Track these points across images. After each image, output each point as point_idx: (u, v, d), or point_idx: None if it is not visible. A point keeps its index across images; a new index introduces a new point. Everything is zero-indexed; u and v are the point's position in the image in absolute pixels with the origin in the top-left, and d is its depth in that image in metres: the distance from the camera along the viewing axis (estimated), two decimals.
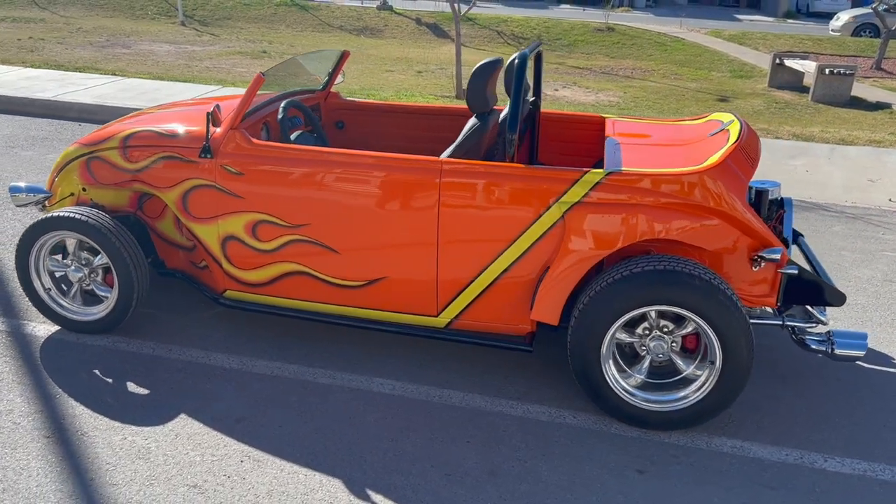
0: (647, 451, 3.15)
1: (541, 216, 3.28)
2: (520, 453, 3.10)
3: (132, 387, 3.40)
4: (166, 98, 8.65)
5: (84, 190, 3.93)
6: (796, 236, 4.26)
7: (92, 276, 3.76)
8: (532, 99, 4.46)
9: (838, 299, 3.43)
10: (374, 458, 3.01)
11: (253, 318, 4.02)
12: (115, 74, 10.31)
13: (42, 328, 3.83)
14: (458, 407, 3.39)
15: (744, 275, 3.35)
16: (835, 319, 4.38)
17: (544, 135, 4.58)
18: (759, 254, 3.26)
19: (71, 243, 3.73)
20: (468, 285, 3.43)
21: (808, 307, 3.58)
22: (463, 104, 5.02)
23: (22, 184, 4.02)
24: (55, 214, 3.62)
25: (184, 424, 3.15)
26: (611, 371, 3.26)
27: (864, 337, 3.46)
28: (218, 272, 3.73)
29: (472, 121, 3.57)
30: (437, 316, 3.51)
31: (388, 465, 2.97)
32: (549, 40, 18.76)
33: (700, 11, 30.21)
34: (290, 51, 14.42)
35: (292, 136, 3.81)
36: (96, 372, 3.50)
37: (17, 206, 4.00)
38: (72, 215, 3.59)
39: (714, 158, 3.30)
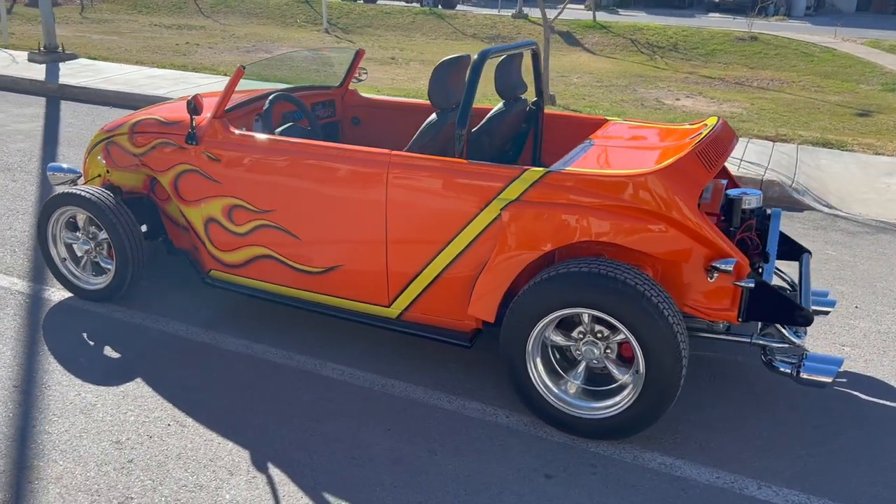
0: (565, 457, 3.07)
1: (480, 212, 3.27)
2: (433, 445, 3.11)
3: (107, 350, 3.72)
4: None
5: (107, 172, 4.32)
6: (801, 252, 3.97)
7: (98, 249, 4.13)
8: (534, 99, 4.43)
9: (804, 320, 3.19)
10: (292, 435, 3.13)
11: (242, 299, 4.26)
12: (227, 75, 11.04)
13: (57, 294, 4.25)
14: (396, 396, 3.44)
15: (700, 285, 3.18)
16: (855, 346, 4.04)
17: (549, 136, 4.52)
18: (713, 264, 3.09)
19: (81, 219, 4.11)
20: (415, 278, 3.48)
21: (780, 327, 3.34)
22: (483, 104, 5.04)
23: (61, 164, 4.47)
24: (65, 191, 4.01)
25: (135, 388, 3.41)
26: (536, 371, 3.20)
27: (836, 362, 3.21)
28: (204, 252, 3.99)
29: (432, 116, 3.61)
30: (388, 306, 3.58)
31: (301, 442, 3.08)
32: (686, 49, 18.15)
33: (864, 20, 28.09)
34: (419, 57, 14.82)
35: (279, 129, 4.01)
36: (84, 335, 3.84)
37: (54, 184, 4.46)
38: (78, 193, 3.97)
39: (666, 162, 3.17)
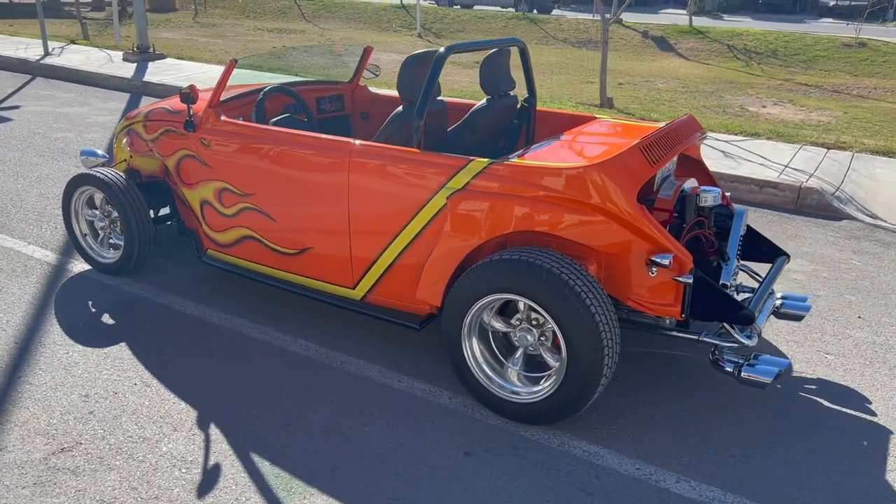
0: (491, 438, 3.16)
1: (430, 200, 3.41)
2: (368, 419, 3.27)
3: (105, 317, 4.07)
4: None
5: (131, 157, 4.71)
6: (778, 255, 3.90)
7: (112, 226, 4.51)
8: (526, 96, 4.51)
9: (745, 320, 3.17)
10: (240, 401, 3.36)
11: (238, 278, 4.55)
12: (300, 76, 11.53)
13: (78, 267, 4.67)
14: (350, 373, 3.62)
15: (644, 280, 3.20)
16: (841, 356, 3.93)
17: (540, 132, 4.59)
18: (651, 258, 3.12)
19: (98, 198, 4.51)
20: (375, 262, 3.65)
21: (728, 326, 3.31)
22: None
23: (94, 150, 4.90)
24: (83, 172, 4.42)
25: (118, 350, 3.74)
26: (471, 352, 3.30)
27: (780, 365, 3.17)
28: (202, 232, 4.30)
29: (399, 108, 3.77)
30: (353, 289, 3.77)
31: (246, 408, 3.31)
32: (786, 56, 17.53)
33: None
34: (512, 62, 14.95)
35: (274, 119, 4.26)
36: (90, 303, 4.22)
37: (86, 168, 4.88)
38: (93, 174, 4.36)
39: (607, 156, 3.22)
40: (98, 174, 4.35)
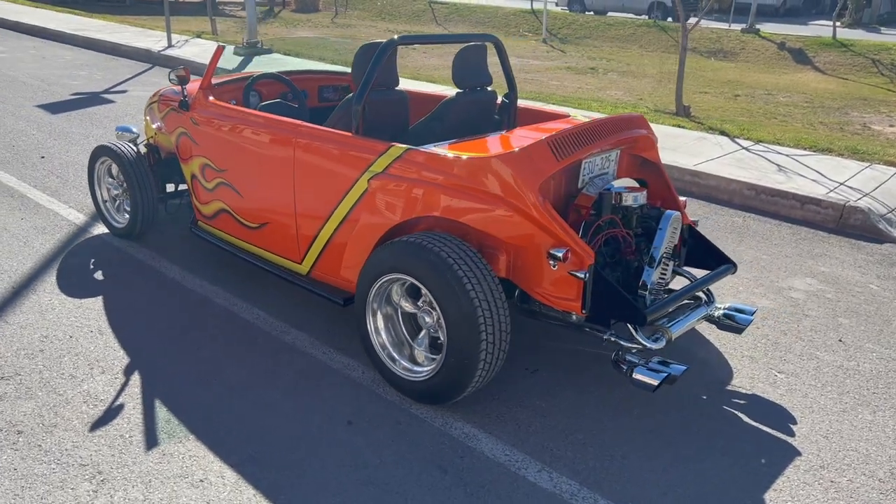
0: (380, 411, 3.29)
1: (356, 182, 3.58)
2: (277, 382, 3.48)
3: (98, 274, 4.52)
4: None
5: (155, 133, 5.18)
6: (722, 263, 3.77)
7: (125, 194, 4.98)
8: (506, 92, 4.57)
9: (638, 319, 3.15)
10: (171, 355, 3.66)
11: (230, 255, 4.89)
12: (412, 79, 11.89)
13: (100, 229, 5.19)
14: (283, 342, 3.84)
15: (548, 273, 3.24)
16: (793, 375, 3.76)
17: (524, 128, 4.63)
18: (549, 251, 3.16)
19: (115, 169, 4.99)
20: (314, 239, 3.86)
21: (630, 326, 3.28)
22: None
23: (129, 126, 5.41)
24: (102, 144, 4.91)
25: (92, 302, 4.15)
26: (373, 328, 3.44)
27: (674, 370, 3.11)
28: (194, 203, 4.68)
29: (350, 94, 3.96)
30: (300, 264, 4.00)
31: (170, 361, 3.60)
32: None
33: None
34: (622, 69, 14.79)
35: (263, 104, 4.56)
36: (92, 260, 4.70)
37: (119, 142, 5.40)
38: (108, 146, 4.84)
39: (512, 148, 3.27)
40: (112, 146, 4.82)
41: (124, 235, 4.98)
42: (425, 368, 3.32)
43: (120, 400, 3.28)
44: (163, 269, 4.61)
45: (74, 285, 4.34)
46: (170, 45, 13.20)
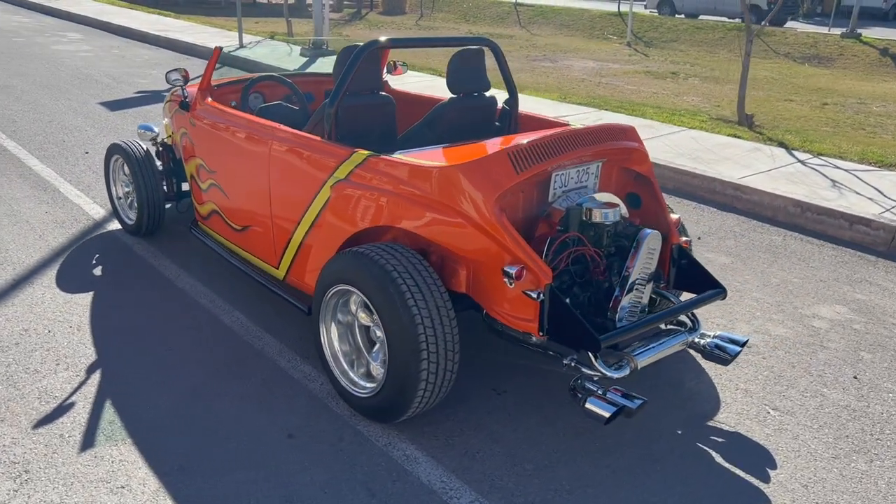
0: (326, 426, 3.18)
1: (322, 187, 3.50)
2: (234, 389, 3.42)
3: (98, 269, 4.60)
4: None
5: (172, 133, 5.25)
6: (710, 287, 3.49)
7: (135, 192, 5.06)
8: (506, 97, 4.39)
9: (592, 345, 2.94)
10: (140, 358, 3.67)
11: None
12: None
13: (114, 225, 5.29)
14: (249, 344, 3.79)
15: (504, 291, 3.07)
16: (789, 413, 3.45)
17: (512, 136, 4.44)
18: (503, 268, 2.99)
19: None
20: (288, 244, 3.79)
21: (590, 354, 3.05)
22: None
23: (150, 125, 5.51)
24: (114, 142, 5.00)
25: (82, 298, 4.21)
26: (326, 339, 3.33)
27: (630, 402, 2.89)
28: (193, 204, 4.70)
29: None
30: (277, 268, 3.95)
31: (137, 364, 3.60)
32: None
33: None
34: (705, 74, 14.24)
35: (263, 105, 4.53)
36: (96, 257, 4.78)
37: (142, 140, 5.51)
38: (120, 144, 4.93)
39: (470, 158, 3.11)
40: (123, 144, 4.90)
41: (133, 233, 5.06)
42: (370, 385, 3.19)
43: (73, 398, 3.29)
44: (161, 268, 4.65)
45: (70, 280, 4.42)
46: (241, 46, 13.51)
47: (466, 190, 3.01)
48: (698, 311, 3.83)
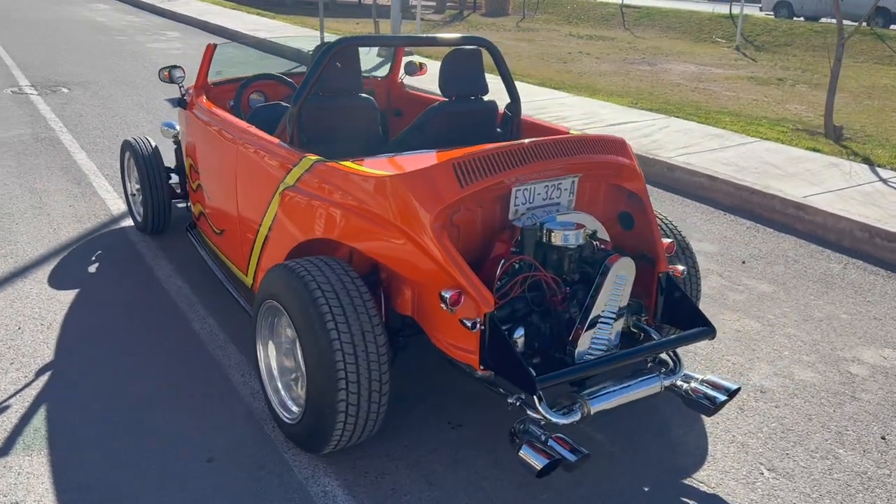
0: (250, 450, 2.96)
1: (275, 194, 3.29)
2: (178, 402, 3.25)
3: (95, 265, 4.56)
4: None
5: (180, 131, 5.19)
6: (696, 325, 3.05)
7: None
8: (508, 102, 4.05)
9: (528, 387, 2.59)
10: (96, 362, 3.57)
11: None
12: (544, 85, 11.37)
13: (128, 222, 5.28)
14: (215, 360, 3.62)
15: (446, 318, 2.77)
16: (788, 477, 2.97)
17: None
18: (441, 292, 2.69)
19: None
20: (252, 250, 3.61)
21: (535, 397, 2.69)
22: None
23: (172, 122, 5.48)
24: (126, 139, 4.97)
25: (65, 295, 4.16)
26: (263, 356, 3.11)
27: (555, 456, 2.53)
28: (190, 203, 4.60)
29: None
30: (247, 275, 3.77)
31: (89, 373, 3.50)
32: None
33: None
34: (816, 80, 13.26)
35: (259, 104, 4.36)
36: (98, 253, 4.76)
37: (165, 137, 5.49)
38: (130, 141, 4.89)
39: (410, 168, 2.82)
40: (132, 142, 4.86)
41: (142, 230, 5.02)
42: (297, 410, 2.94)
43: (10, 401, 3.21)
44: (156, 268, 4.57)
45: (63, 276, 4.39)
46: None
47: (406, 203, 2.71)
48: (718, 354, 3.37)
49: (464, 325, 2.62)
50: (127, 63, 12.10)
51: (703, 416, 3.29)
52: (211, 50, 4.31)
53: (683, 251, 3.56)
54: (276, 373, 3.08)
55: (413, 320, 2.90)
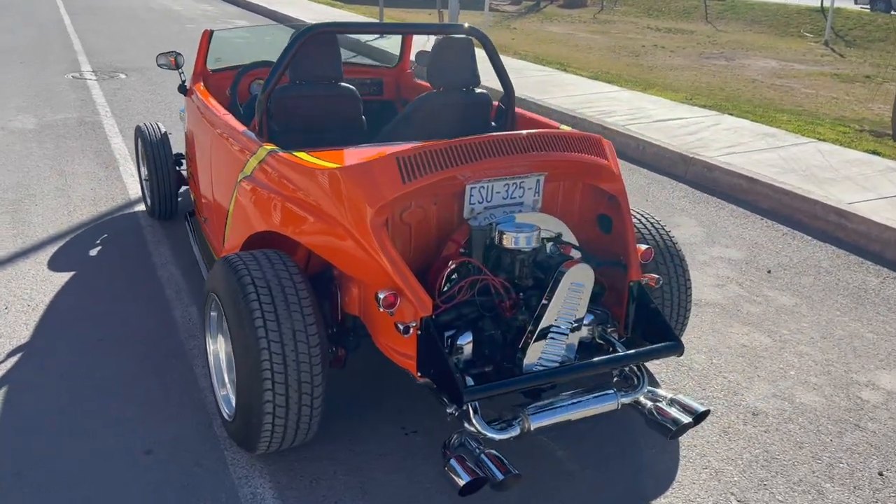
0: (196, 446, 2.89)
1: (237, 183, 3.21)
2: (133, 393, 3.22)
3: (99, 248, 4.60)
4: (581, 103, 9.12)
5: None
6: (663, 340, 2.81)
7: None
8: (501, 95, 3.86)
9: (455, 397, 2.43)
10: (64, 347, 3.58)
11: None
12: (597, 79, 11.03)
13: (141, 206, 5.33)
14: (182, 351, 3.58)
15: (385, 320, 2.64)
16: None
17: None
18: (376, 292, 2.56)
19: None
20: (224, 238, 3.54)
21: (471, 409, 2.53)
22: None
23: None
24: (137, 125, 5.01)
25: (60, 277, 4.20)
26: (212, 350, 3.04)
27: (479, 474, 2.36)
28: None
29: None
30: None
31: (50, 360, 3.51)
32: None
33: None
34: None
35: (254, 92, 4.29)
36: (104, 237, 4.81)
37: (182, 122, 5.51)
38: (140, 126, 4.92)
39: (355, 160, 2.69)
40: (142, 127, 4.89)
41: (151, 215, 5.05)
42: (230, 411, 2.85)
43: None
44: (154, 254, 4.58)
45: (64, 258, 4.45)
46: (380, 36, 13.55)
47: (345, 197, 2.58)
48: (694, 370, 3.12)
49: (397, 328, 2.48)
50: (188, 50, 12.31)
51: (680, 439, 3.05)
52: (207, 36, 4.27)
53: (672, 258, 3.31)
54: (223, 367, 3.01)
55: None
